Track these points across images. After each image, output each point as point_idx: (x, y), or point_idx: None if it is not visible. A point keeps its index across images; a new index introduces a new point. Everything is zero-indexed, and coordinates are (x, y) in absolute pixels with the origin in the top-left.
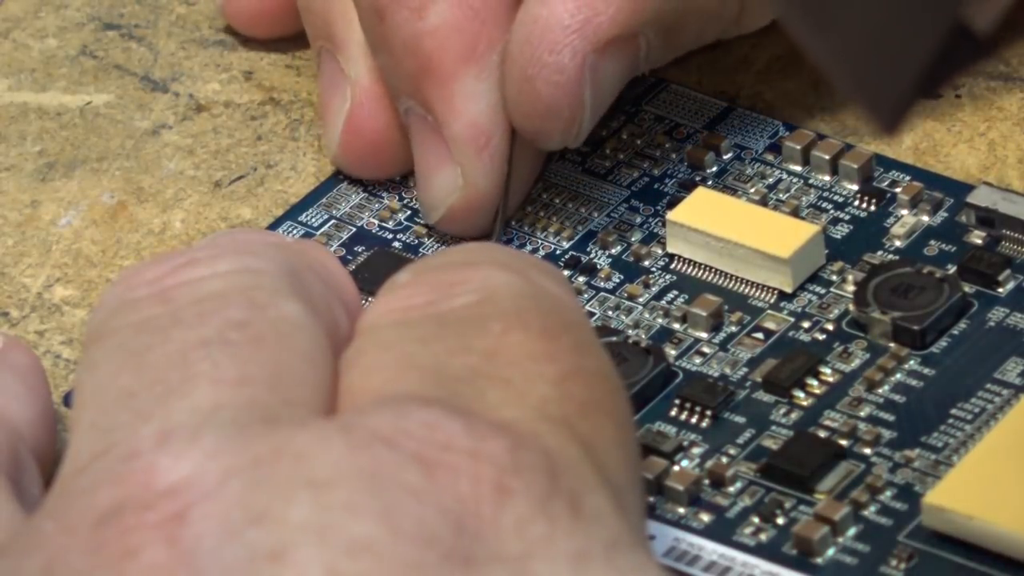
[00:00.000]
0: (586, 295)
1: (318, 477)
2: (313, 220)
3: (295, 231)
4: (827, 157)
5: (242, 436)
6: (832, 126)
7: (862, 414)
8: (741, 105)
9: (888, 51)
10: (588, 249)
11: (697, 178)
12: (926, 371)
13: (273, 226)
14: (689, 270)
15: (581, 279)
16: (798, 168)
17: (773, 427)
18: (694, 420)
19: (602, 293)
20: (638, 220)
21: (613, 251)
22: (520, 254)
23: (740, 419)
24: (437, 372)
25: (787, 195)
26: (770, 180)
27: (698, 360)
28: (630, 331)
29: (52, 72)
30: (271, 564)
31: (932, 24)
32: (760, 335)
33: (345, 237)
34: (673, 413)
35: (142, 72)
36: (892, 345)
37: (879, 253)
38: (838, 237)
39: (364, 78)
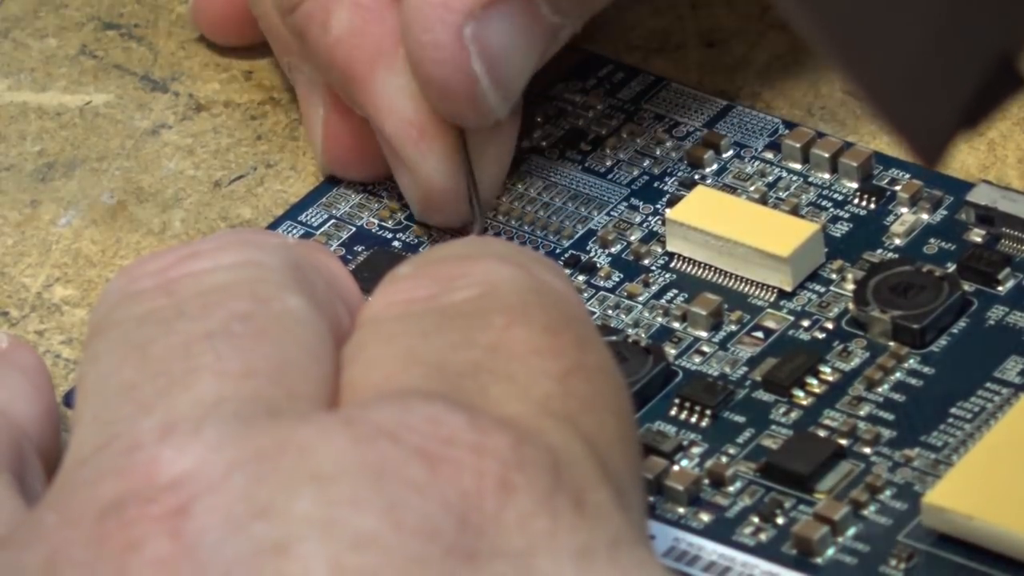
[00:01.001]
0: (586, 294)
1: (322, 471)
2: (313, 220)
3: (295, 231)
4: (827, 155)
5: (245, 429)
6: (832, 126)
7: (862, 413)
8: (741, 104)
9: (931, 86)
10: (588, 248)
11: (697, 176)
12: (926, 370)
13: (273, 226)
14: (689, 269)
15: (581, 278)
16: (798, 166)
17: (773, 427)
18: (694, 420)
19: (602, 292)
20: (638, 219)
21: (613, 250)
22: (521, 248)
23: (740, 418)
24: (440, 366)
25: (787, 193)
26: (770, 178)
27: (698, 359)
28: (630, 330)
29: (52, 72)
30: (275, 558)
31: (976, 59)
32: (760, 334)
33: (345, 237)
34: (673, 412)
35: (142, 72)
36: (892, 344)
37: (879, 251)
38: (838, 235)
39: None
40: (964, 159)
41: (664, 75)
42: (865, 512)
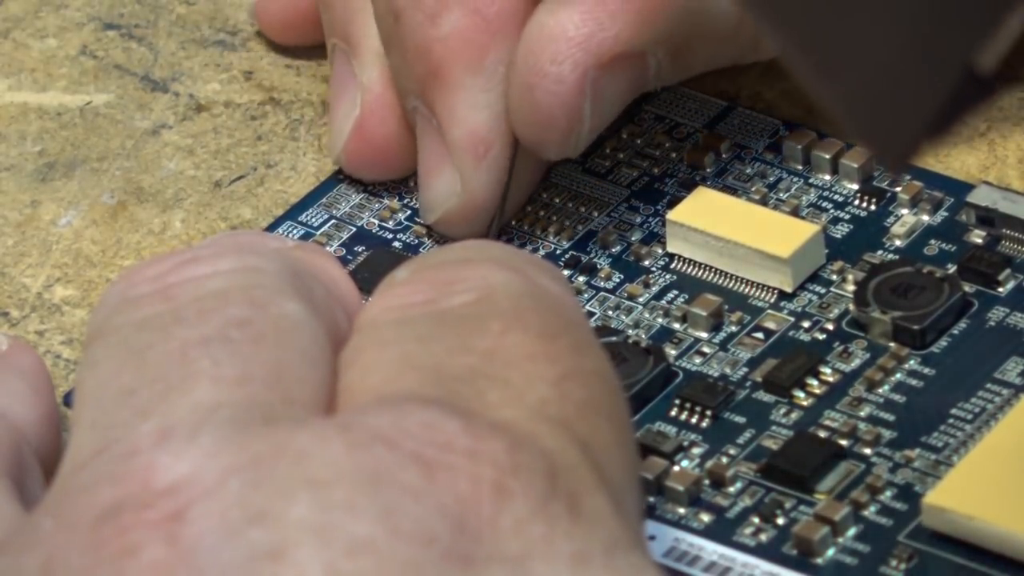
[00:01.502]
0: (586, 295)
1: (318, 477)
2: (313, 220)
3: (295, 231)
4: (827, 156)
5: (242, 435)
6: (833, 127)
7: (862, 414)
8: (742, 105)
9: (898, 96)
10: (588, 249)
11: (697, 178)
12: (926, 371)
13: (273, 226)
14: (689, 270)
15: (581, 279)
16: (798, 167)
17: (773, 427)
18: (694, 420)
19: (602, 293)
20: (638, 220)
21: (613, 251)
22: (519, 252)
23: (740, 419)
24: (436, 372)
25: (787, 194)
26: (770, 179)
27: (698, 360)
28: (630, 331)
29: (52, 72)
30: (271, 563)
31: (944, 70)
32: (760, 335)
33: (345, 237)
34: (673, 413)
35: (142, 72)
36: (892, 345)
37: (879, 252)
38: (838, 236)
39: (376, 84)
40: (964, 159)
41: None
42: (865, 513)
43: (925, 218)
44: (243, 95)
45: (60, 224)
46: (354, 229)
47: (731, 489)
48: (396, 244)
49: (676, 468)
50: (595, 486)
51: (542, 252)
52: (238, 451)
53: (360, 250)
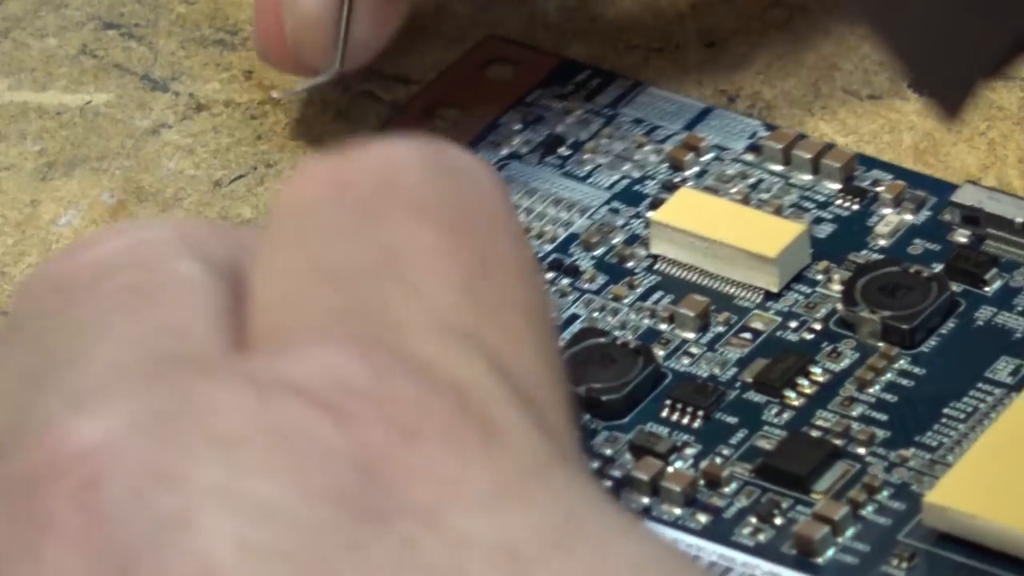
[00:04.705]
0: (570, 297)
1: (226, 435)
2: None
3: None
4: (808, 156)
5: (149, 394)
6: (832, 126)
7: (854, 414)
8: (741, 104)
9: (959, 46)
10: (571, 251)
11: (677, 179)
12: (916, 370)
13: None
14: (674, 271)
15: (565, 281)
16: (779, 168)
17: (766, 427)
18: (686, 421)
19: (587, 295)
20: (620, 222)
21: (596, 253)
22: (430, 138)
23: (732, 419)
24: (338, 277)
25: (769, 195)
26: (751, 180)
27: (686, 361)
28: (617, 332)
29: (52, 71)
30: (179, 532)
31: (1008, 26)
32: (748, 335)
33: None
34: (664, 414)
35: (142, 71)
36: (881, 344)
37: (864, 252)
38: (822, 236)
39: None
40: (964, 159)
41: (662, 75)
42: (864, 512)
43: (908, 217)
44: (243, 95)
45: (60, 224)
46: None
47: (727, 489)
48: None
49: (671, 469)
50: (509, 407)
51: None
52: (145, 411)
53: None
